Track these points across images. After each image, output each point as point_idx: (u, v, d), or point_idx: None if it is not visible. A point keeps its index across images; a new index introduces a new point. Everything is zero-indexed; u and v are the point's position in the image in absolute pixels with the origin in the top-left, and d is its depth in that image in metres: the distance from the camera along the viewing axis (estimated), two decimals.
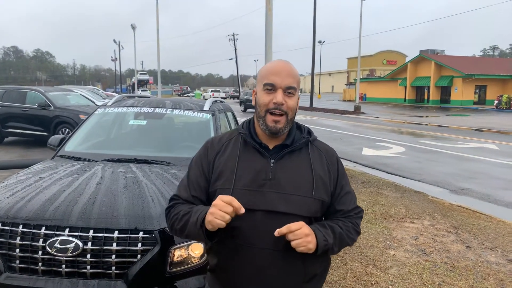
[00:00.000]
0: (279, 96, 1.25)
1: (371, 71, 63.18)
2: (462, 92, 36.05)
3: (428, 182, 7.33)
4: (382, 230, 4.57)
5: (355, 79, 42.28)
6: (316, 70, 40.06)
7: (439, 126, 18.60)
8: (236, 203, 1.15)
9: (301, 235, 1.18)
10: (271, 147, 1.33)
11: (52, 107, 10.15)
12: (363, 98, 45.66)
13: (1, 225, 2.19)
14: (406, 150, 10.88)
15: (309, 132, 1.40)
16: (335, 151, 1.44)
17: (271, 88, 1.27)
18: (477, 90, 37.07)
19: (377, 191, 6.36)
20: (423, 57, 39.63)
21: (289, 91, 1.27)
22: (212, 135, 3.53)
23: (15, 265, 2.15)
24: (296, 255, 1.22)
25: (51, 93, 10.75)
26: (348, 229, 1.34)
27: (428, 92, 39.20)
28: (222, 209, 1.14)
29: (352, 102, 36.46)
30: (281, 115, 1.26)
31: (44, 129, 10.01)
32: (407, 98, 41.40)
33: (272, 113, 1.27)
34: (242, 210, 1.16)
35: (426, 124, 19.36)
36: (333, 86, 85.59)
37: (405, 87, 41.44)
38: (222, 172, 1.32)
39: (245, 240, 1.26)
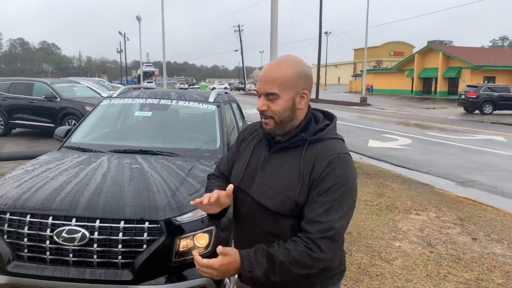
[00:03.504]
0: (260, 103, 1.31)
1: (377, 62, 62.53)
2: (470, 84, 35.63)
3: (434, 174, 7.28)
4: (388, 222, 4.56)
5: (361, 71, 41.95)
6: (322, 62, 39.75)
7: (446, 117, 18.43)
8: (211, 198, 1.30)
9: (206, 268, 1.17)
10: (282, 140, 1.35)
11: (59, 99, 10.21)
12: (369, 89, 45.29)
13: (9, 215, 2.22)
14: (412, 142, 10.81)
15: (321, 129, 1.31)
16: (337, 155, 1.25)
17: (257, 93, 1.34)
18: (486, 82, 36.62)
19: (383, 183, 6.33)
20: (430, 48, 39.14)
21: (269, 97, 1.28)
22: (217, 126, 3.54)
23: (23, 254, 2.18)
24: (266, 234, 1.31)
25: (58, 84, 10.80)
26: (300, 255, 1.17)
27: (436, 83, 38.79)
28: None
29: (359, 94, 36.18)
30: (268, 118, 1.31)
31: (51, 121, 10.08)
32: (414, 89, 41.00)
33: (262, 116, 1.34)
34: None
35: (433, 116, 19.19)
36: (339, 78, 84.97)
37: (412, 79, 41.03)
38: (241, 156, 1.48)
39: (242, 218, 1.42)
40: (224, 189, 1.34)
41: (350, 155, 1.32)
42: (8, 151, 8.14)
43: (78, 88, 11.57)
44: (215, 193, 1.29)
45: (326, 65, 62.77)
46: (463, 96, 21.21)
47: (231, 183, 1.41)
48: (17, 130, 11.25)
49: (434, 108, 24.53)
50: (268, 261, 1.17)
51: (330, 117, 1.42)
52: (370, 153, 9.15)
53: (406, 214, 4.87)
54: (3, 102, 10.60)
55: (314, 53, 33.23)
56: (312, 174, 1.24)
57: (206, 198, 1.28)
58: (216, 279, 1.20)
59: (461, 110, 22.13)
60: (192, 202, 1.32)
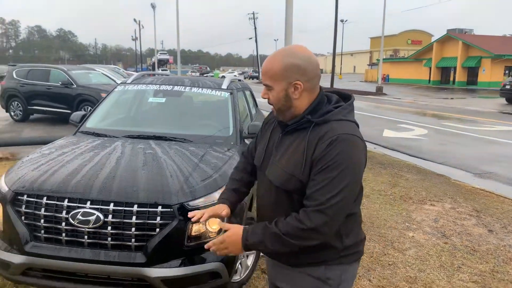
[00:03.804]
0: (262, 91, 1.41)
1: (394, 51, 61.29)
2: (490, 73, 34.67)
3: (451, 165, 7.15)
4: (401, 212, 4.51)
5: (377, 60, 41.17)
6: (338, 50, 39.16)
7: (464, 108, 18.02)
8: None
9: (217, 244, 1.37)
10: (289, 123, 1.42)
11: (75, 85, 10.33)
12: (385, 79, 44.54)
13: (27, 197, 2.27)
14: (429, 132, 10.61)
15: (328, 111, 1.33)
16: (338, 136, 1.26)
17: None
18: (507, 71, 35.54)
19: (397, 173, 6.25)
20: (450, 37, 38.13)
21: (266, 87, 1.38)
22: (230, 113, 3.53)
23: (40, 235, 2.23)
24: (280, 214, 1.36)
25: (74, 71, 10.92)
26: (292, 227, 1.27)
27: (454, 73, 37.87)
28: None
29: (374, 83, 35.58)
30: (272, 105, 1.41)
31: (67, 107, 10.23)
32: (431, 79, 40.15)
33: None
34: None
35: (451, 106, 18.79)
36: (355, 67, 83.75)
37: (430, 68, 40.14)
38: (263, 138, 1.56)
39: (261, 197, 1.52)
40: (243, 186, 1.68)
41: (357, 135, 1.30)
42: (26, 136, 8.32)
43: (94, 75, 11.68)
44: (206, 215, 1.52)
45: (341, 54, 61.84)
46: (508, 87, 20.47)
47: (255, 164, 1.56)
48: (35, 116, 11.46)
49: (451, 98, 23.99)
50: (263, 232, 1.32)
51: (347, 98, 1.42)
52: (384, 143, 9.03)
53: (421, 204, 4.81)
54: (21, 88, 10.80)
55: (330, 41, 32.73)
56: (313, 154, 1.29)
57: (198, 214, 1.51)
58: (229, 255, 1.37)
59: (498, 101, 21.52)
60: (192, 216, 1.52)
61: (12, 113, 11.03)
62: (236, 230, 1.36)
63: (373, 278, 3.05)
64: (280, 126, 1.45)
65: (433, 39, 50.49)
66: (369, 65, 62.07)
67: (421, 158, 7.67)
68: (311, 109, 1.35)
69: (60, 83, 10.42)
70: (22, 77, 10.95)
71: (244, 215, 2.55)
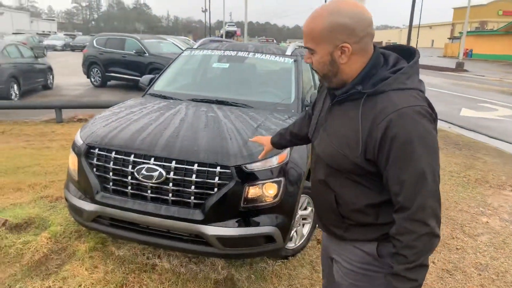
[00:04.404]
0: (305, 55, 1.24)
1: (481, 23, 55.19)
2: None
3: None
4: (475, 196, 4.13)
5: (460, 33, 37.40)
6: (415, 22, 36.20)
7: None
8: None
9: None
10: (337, 93, 1.23)
11: (147, 54, 10.82)
12: (468, 54, 40.50)
13: (98, 150, 2.43)
14: None
15: (383, 79, 1.12)
16: (397, 114, 1.06)
17: None
18: None
19: (473, 155, 5.72)
20: None
21: (309, 51, 1.20)
22: (293, 80, 3.42)
23: (109, 186, 2.39)
24: (329, 191, 1.28)
25: (146, 40, 11.42)
26: (412, 246, 1.10)
27: None
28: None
29: (455, 59, 32.56)
30: (315, 70, 1.24)
31: (140, 74, 10.77)
32: None
33: None
34: None
35: None
36: (433, 41, 77.21)
37: None
38: (317, 105, 1.43)
39: (312, 164, 1.42)
40: (294, 135, 1.71)
41: (419, 105, 1.08)
42: (104, 99, 8.98)
43: (164, 45, 12.12)
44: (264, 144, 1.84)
45: (419, 26, 57.20)
46: None
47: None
48: (112, 82, 12.26)
49: None
50: (396, 278, 1.13)
51: (411, 55, 1.19)
52: (461, 123, 8.28)
53: (499, 189, 4.36)
54: (100, 56, 11.58)
55: (406, 12, 30.26)
56: (370, 136, 1.10)
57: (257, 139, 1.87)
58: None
59: None
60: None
61: (92, 79, 11.93)
62: None
63: (438, 260, 2.85)
64: (329, 94, 1.27)
65: None
66: (449, 38, 56.78)
67: (503, 140, 6.92)
68: (362, 76, 1.15)
69: (134, 51, 10.99)
70: (101, 45, 11.71)
71: (301, 184, 2.49)
